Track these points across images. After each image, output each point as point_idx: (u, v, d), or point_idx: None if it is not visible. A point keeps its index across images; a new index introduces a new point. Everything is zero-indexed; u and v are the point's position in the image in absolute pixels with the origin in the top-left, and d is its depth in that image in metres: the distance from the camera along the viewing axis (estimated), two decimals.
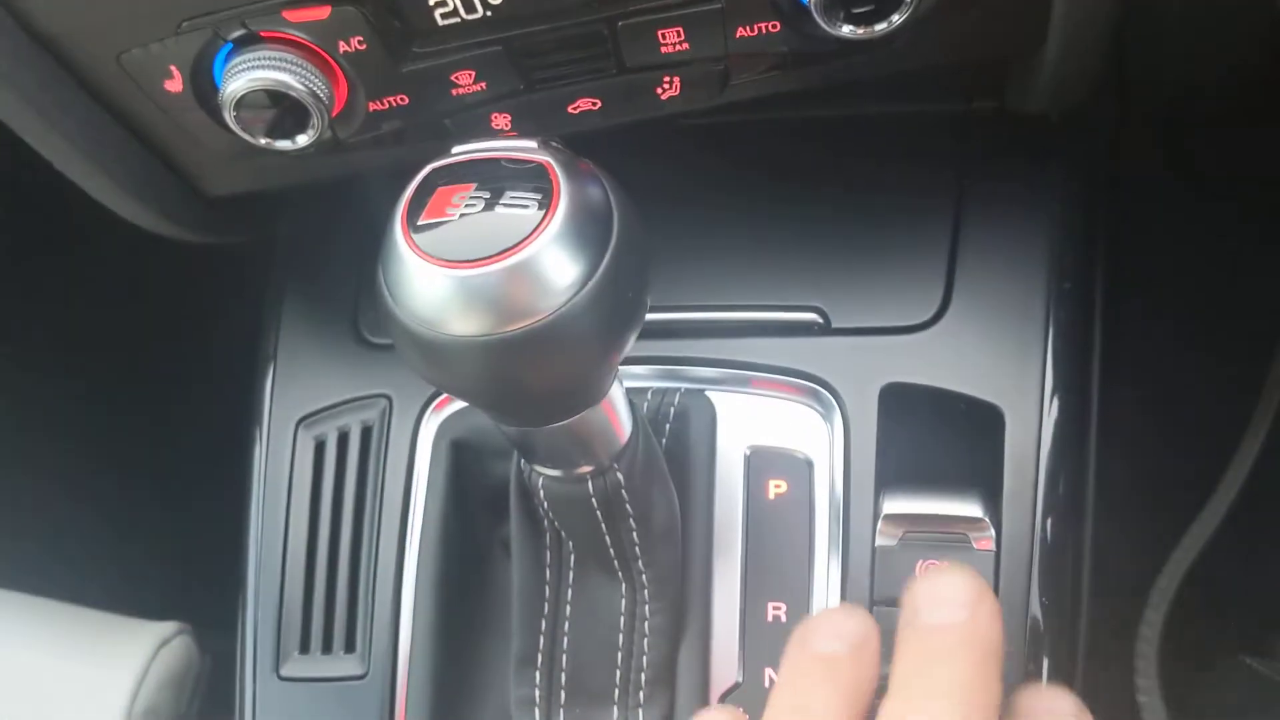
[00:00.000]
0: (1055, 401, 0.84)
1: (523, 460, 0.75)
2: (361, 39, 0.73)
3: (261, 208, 0.99)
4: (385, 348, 0.93)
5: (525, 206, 0.57)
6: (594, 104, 0.80)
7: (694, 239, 0.91)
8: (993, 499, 0.82)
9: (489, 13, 0.72)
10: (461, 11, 0.72)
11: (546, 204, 0.56)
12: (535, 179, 0.58)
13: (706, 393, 0.85)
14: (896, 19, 0.69)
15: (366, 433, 0.91)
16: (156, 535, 1.31)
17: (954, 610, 0.61)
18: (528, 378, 0.59)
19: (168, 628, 0.91)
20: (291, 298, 0.98)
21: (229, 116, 0.73)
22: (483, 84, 0.77)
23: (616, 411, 0.70)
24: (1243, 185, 1.13)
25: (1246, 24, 0.86)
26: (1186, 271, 1.21)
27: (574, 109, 0.80)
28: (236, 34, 0.72)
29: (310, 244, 1.01)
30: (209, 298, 1.31)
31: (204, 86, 0.75)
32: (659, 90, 0.79)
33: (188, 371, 1.36)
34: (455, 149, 0.61)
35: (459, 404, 0.89)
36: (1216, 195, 1.15)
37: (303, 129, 0.74)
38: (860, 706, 0.61)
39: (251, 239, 1.00)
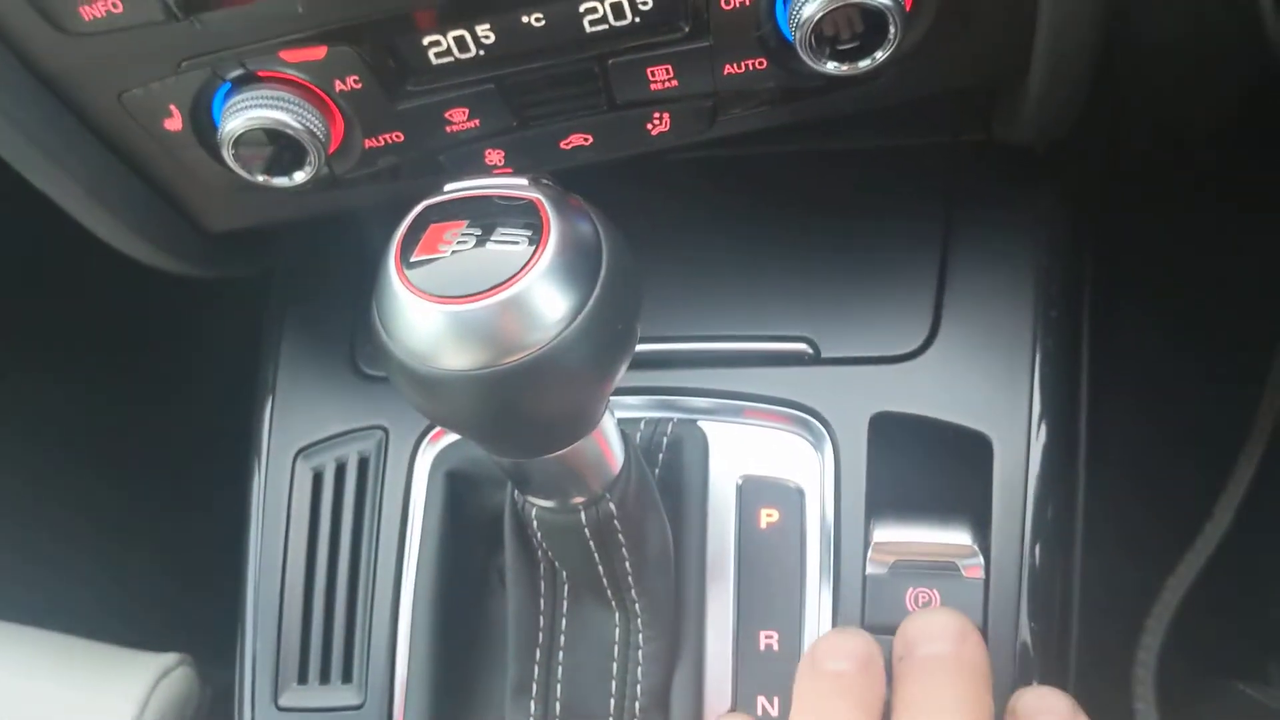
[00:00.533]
0: (1043, 429, 0.85)
1: (517, 491, 0.76)
2: (357, 78, 0.74)
3: (259, 242, 1.00)
4: (381, 380, 0.94)
5: (516, 243, 0.58)
6: (586, 139, 0.81)
7: (685, 270, 0.92)
8: (982, 527, 0.83)
9: (482, 52, 0.74)
10: (455, 51, 0.74)
11: (536, 240, 0.58)
12: (525, 215, 0.59)
13: (699, 423, 0.86)
14: (880, 55, 0.70)
15: (363, 464, 0.92)
16: (156, 565, 1.32)
17: (945, 643, 0.70)
18: (520, 410, 0.60)
19: (168, 659, 0.91)
20: (290, 330, 1.00)
21: (227, 154, 0.74)
22: (476, 121, 0.78)
23: (608, 442, 0.71)
24: (1225, 213, 1.14)
25: (1228, 50, 0.87)
26: (1173, 299, 1.22)
27: (566, 144, 0.82)
28: (235, 74, 0.74)
29: (308, 276, 1.03)
30: (205, 330, 1.32)
31: (203, 125, 0.77)
32: (649, 126, 0.80)
33: (185, 403, 1.37)
34: (447, 186, 0.63)
35: (454, 435, 0.90)
36: (1200, 222, 1.16)
37: (300, 166, 0.75)
38: (875, 716, 0.69)
39: (249, 273, 1.01)
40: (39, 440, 1.25)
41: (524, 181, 0.62)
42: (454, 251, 0.58)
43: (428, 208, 0.61)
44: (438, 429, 0.91)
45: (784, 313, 0.89)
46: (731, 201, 0.94)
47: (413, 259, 0.59)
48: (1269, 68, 0.78)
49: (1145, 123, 0.99)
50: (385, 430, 0.92)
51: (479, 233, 0.59)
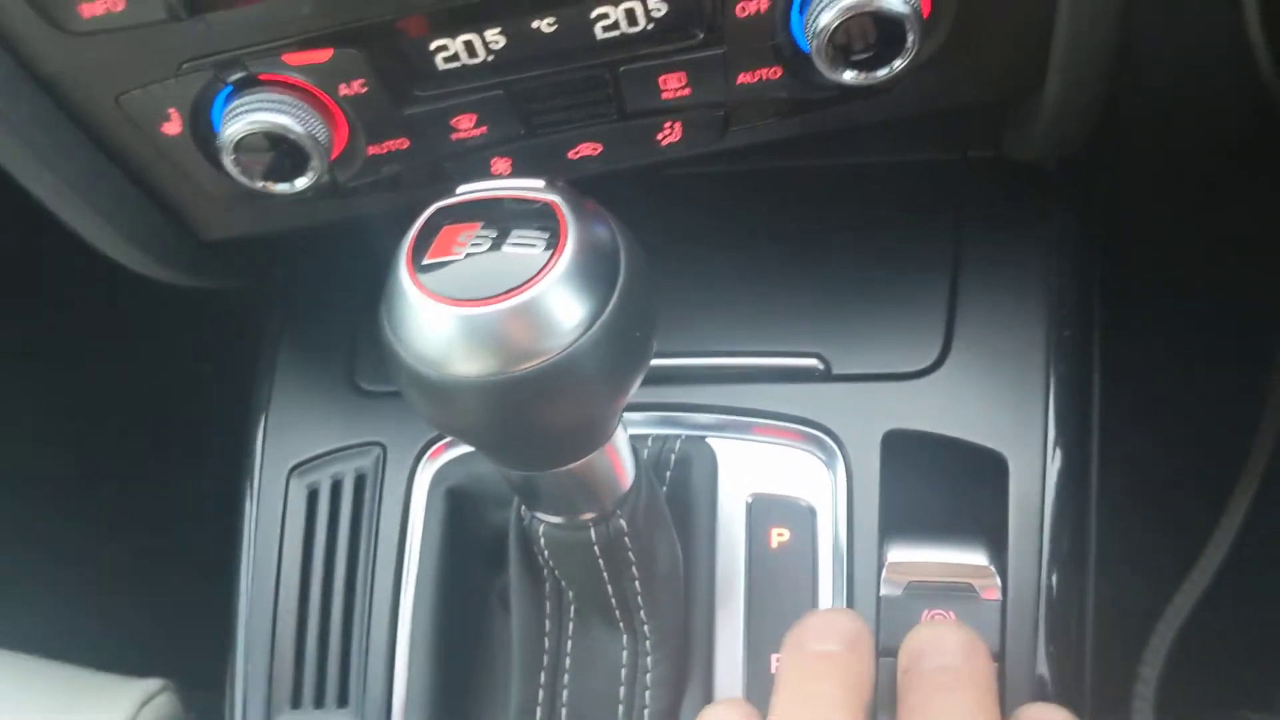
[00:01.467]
0: (1058, 449, 0.83)
1: (523, 507, 0.74)
2: (363, 82, 0.73)
3: (257, 252, 0.98)
4: (380, 395, 0.92)
5: (532, 245, 0.56)
6: (594, 149, 0.80)
7: (694, 285, 0.91)
8: (998, 547, 0.81)
9: (491, 57, 0.73)
10: (463, 56, 0.72)
11: (554, 243, 0.56)
12: (542, 218, 0.57)
13: (708, 439, 0.84)
14: (898, 65, 0.69)
15: (360, 481, 0.89)
16: (140, 587, 1.29)
17: (953, 656, 0.68)
18: (534, 419, 0.58)
19: (151, 684, 0.88)
20: (286, 343, 0.98)
21: (227, 159, 0.72)
22: (484, 128, 0.77)
23: (621, 457, 0.69)
24: (1230, 230, 1.13)
25: (1232, 69, 0.87)
26: (1180, 317, 1.21)
27: (574, 154, 0.80)
28: (236, 76, 0.72)
29: (306, 289, 1.01)
30: (199, 341, 1.30)
31: (202, 129, 0.75)
32: (659, 135, 0.79)
33: (177, 417, 1.35)
34: (461, 188, 0.61)
35: (454, 452, 0.88)
36: (1207, 239, 1.16)
37: (302, 172, 0.73)
38: (863, 698, 0.66)
39: (245, 284, 0.99)
40: (24, 452, 1.22)
41: (540, 184, 0.60)
42: (468, 254, 0.56)
43: (441, 209, 0.59)
44: (438, 445, 0.88)
45: (794, 328, 0.88)
46: (741, 215, 0.93)
47: (425, 261, 0.57)
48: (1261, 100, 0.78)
49: (1152, 143, 0.98)
50: (383, 447, 0.89)
51: (494, 235, 0.57)
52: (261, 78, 0.72)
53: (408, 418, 0.89)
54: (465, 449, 0.87)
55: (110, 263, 0.85)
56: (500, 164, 0.80)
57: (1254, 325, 1.15)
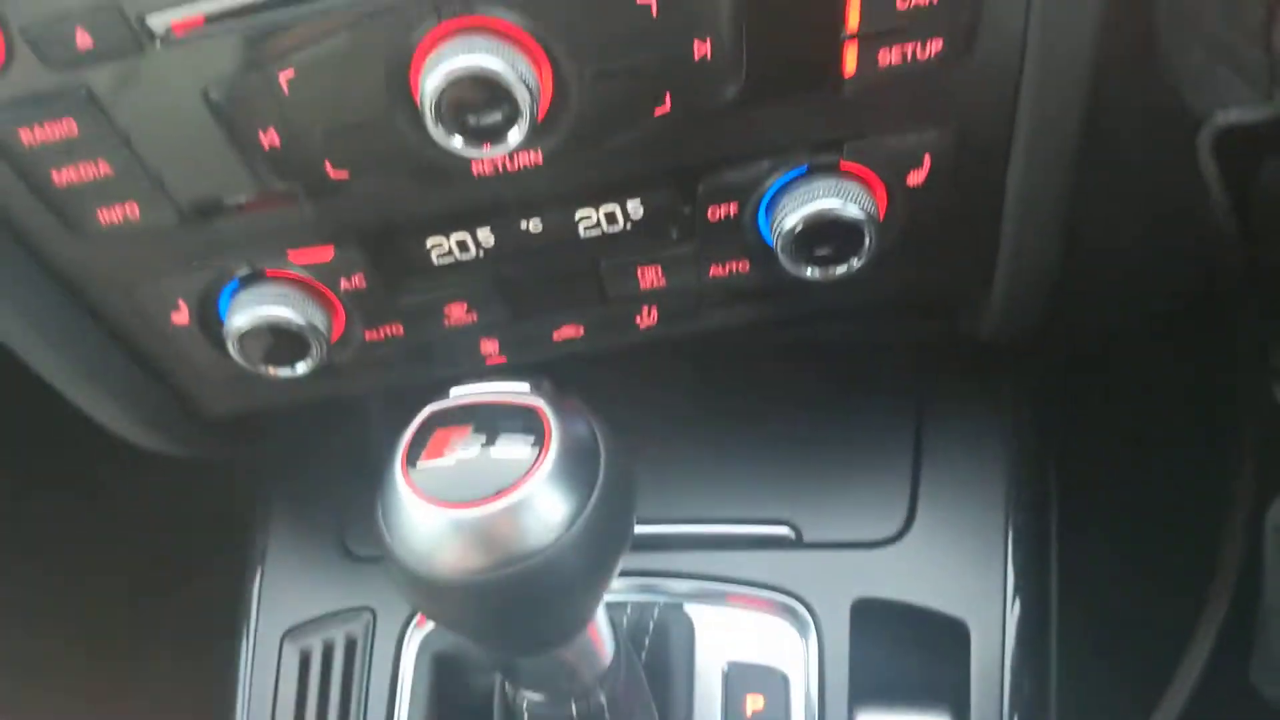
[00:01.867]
0: (1017, 608, 0.87)
1: (507, 684, 0.77)
2: (362, 276, 0.78)
3: (250, 423, 1.02)
4: (370, 560, 0.95)
5: (518, 449, 0.60)
6: (577, 331, 0.85)
7: (669, 453, 0.95)
8: (962, 711, 0.84)
9: (482, 254, 0.78)
10: (457, 253, 0.78)
11: (538, 445, 0.60)
12: (527, 421, 0.62)
13: (684, 608, 0.88)
14: (855, 263, 0.75)
15: (351, 646, 0.92)
16: None
17: None
18: (519, 614, 0.61)
19: None
20: (278, 509, 1.01)
21: (232, 348, 0.77)
22: (474, 315, 0.82)
23: (601, 636, 0.72)
24: (1179, 391, 1.19)
25: (1180, 256, 0.93)
26: (1134, 473, 1.26)
27: (559, 336, 0.85)
28: (243, 273, 0.77)
29: (297, 456, 1.04)
30: (190, 507, 1.32)
31: (209, 319, 0.80)
32: (638, 319, 0.84)
33: (169, 581, 1.36)
34: (453, 391, 0.65)
35: None
36: (1159, 398, 1.21)
37: (302, 358, 0.78)
38: None
39: (241, 454, 1.03)
40: (17, 616, 1.23)
41: (525, 387, 0.64)
42: (458, 457, 0.61)
43: (435, 414, 0.64)
44: None
45: (766, 496, 0.92)
46: (714, 386, 0.98)
47: (419, 463, 0.61)
48: (1214, 274, 0.84)
49: (1099, 319, 1.04)
50: (373, 612, 0.92)
51: (483, 439, 0.61)
52: (268, 273, 0.77)
53: None
54: None
55: (105, 432, 0.89)
56: (488, 345, 0.85)
57: (1205, 478, 1.20)
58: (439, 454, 0.61)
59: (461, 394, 0.65)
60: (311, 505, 1.00)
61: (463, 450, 0.61)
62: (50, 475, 1.26)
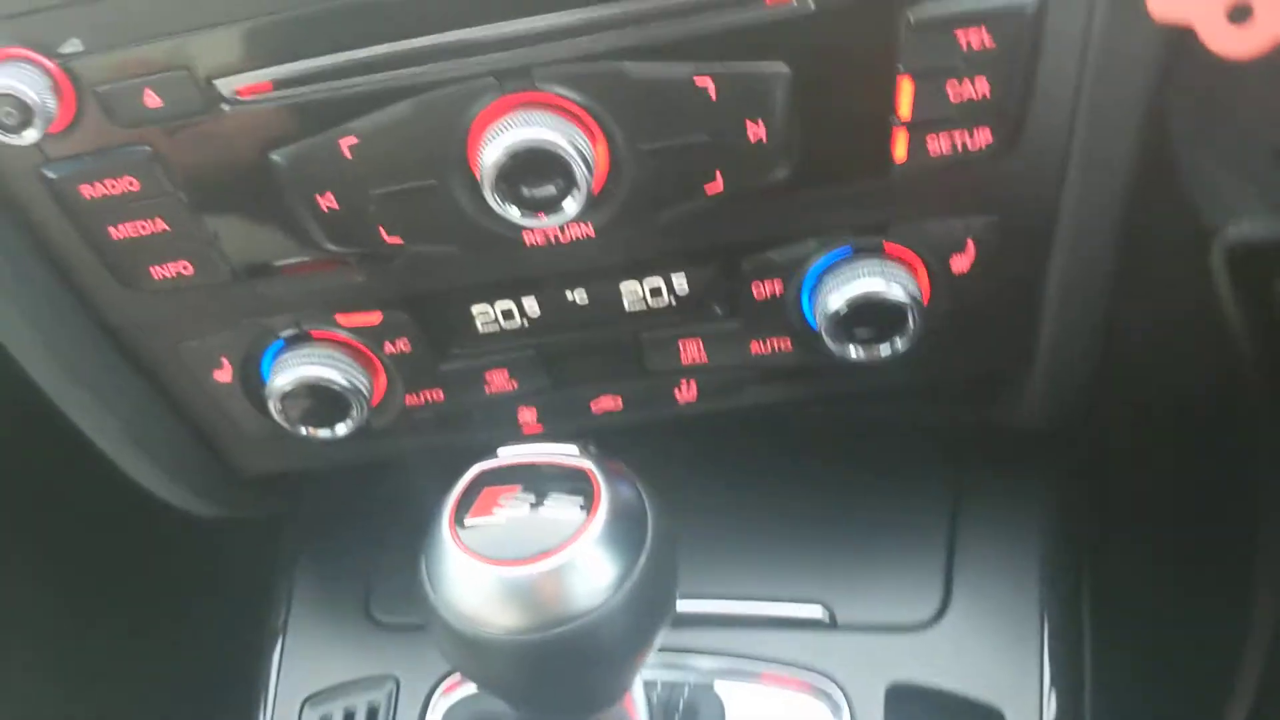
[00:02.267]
0: (1053, 700, 0.86)
1: None
2: (407, 341, 0.79)
3: (280, 482, 1.02)
4: (395, 628, 0.94)
5: (567, 510, 0.60)
6: (616, 403, 0.86)
7: (703, 530, 0.94)
8: None
9: (526, 323, 0.79)
10: (501, 321, 0.79)
11: (588, 507, 0.60)
12: (576, 482, 0.62)
13: (715, 687, 0.87)
14: (899, 345, 0.75)
15: (373, 714, 0.90)
16: None
17: None
18: (561, 675, 0.61)
19: None
20: (301, 571, 1.00)
21: (273, 407, 0.77)
22: (514, 382, 0.83)
23: (636, 706, 0.71)
24: (1214, 478, 1.19)
25: (1215, 348, 0.94)
26: (1169, 565, 1.25)
27: (597, 407, 0.86)
28: (289, 332, 0.78)
29: (324, 519, 1.04)
30: (213, 567, 1.31)
31: (251, 377, 0.81)
32: (677, 393, 0.85)
33: (189, 643, 1.34)
34: (501, 450, 0.66)
35: (467, 688, 0.89)
36: (1193, 490, 1.21)
37: (342, 420, 0.78)
38: None
39: (269, 513, 1.02)
40: (35, 677, 1.22)
41: (574, 449, 0.65)
42: (507, 516, 0.61)
43: (484, 472, 0.64)
44: (450, 680, 0.90)
45: (800, 576, 0.91)
46: (750, 464, 0.98)
47: (467, 520, 0.61)
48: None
49: (1134, 409, 1.05)
50: (396, 680, 0.91)
51: (532, 499, 0.61)
52: (313, 334, 0.78)
53: (422, 651, 0.91)
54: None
55: (130, 488, 0.89)
56: (526, 413, 0.86)
57: (1236, 566, 1.19)
58: (487, 512, 0.61)
59: (510, 454, 0.65)
60: (336, 570, 0.99)
61: (511, 509, 0.61)
62: (69, 532, 1.25)
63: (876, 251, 0.75)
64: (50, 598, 1.26)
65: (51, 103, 0.63)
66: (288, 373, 0.77)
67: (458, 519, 0.61)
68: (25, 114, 0.63)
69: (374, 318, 0.77)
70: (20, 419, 0.89)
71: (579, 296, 0.78)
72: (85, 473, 0.90)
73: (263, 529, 1.05)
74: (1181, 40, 0.62)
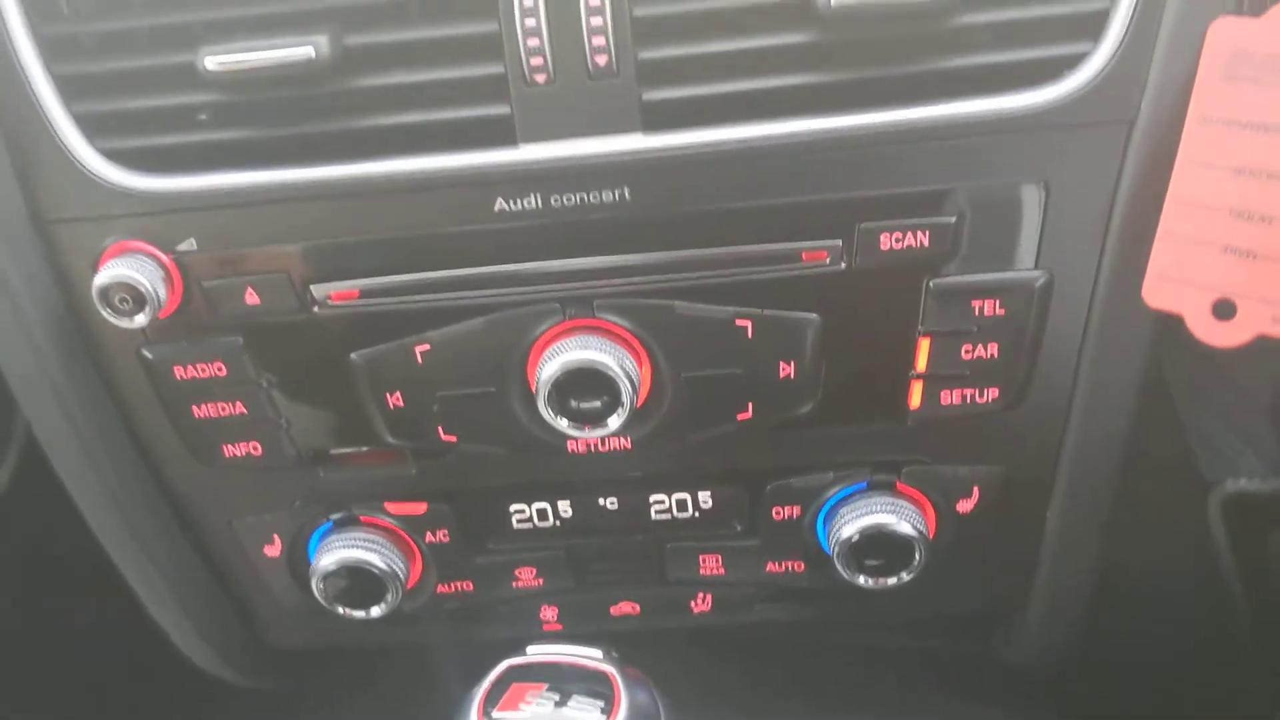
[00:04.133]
0: None
1: None
2: (446, 532, 0.84)
3: (305, 657, 1.05)
4: None
5: (589, 711, 0.64)
6: (634, 608, 0.90)
7: None
8: None
9: (558, 523, 0.85)
10: (535, 520, 0.84)
11: (608, 710, 0.64)
12: (598, 685, 0.66)
13: None
14: (906, 575, 0.80)
15: None
16: None
17: None
18: None
19: None
20: None
21: (315, 585, 0.82)
22: (541, 580, 0.87)
23: None
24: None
25: (1199, 587, 0.98)
26: None
27: (616, 611, 0.90)
28: (340, 516, 0.83)
29: (339, 695, 1.06)
30: None
31: (297, 555, 0.86)
32: (693, 605, 0.89)
33: None
34: (530, 648, 0.70)
35: None
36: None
37: (377, 602, 0.83)
38: None
39: (288, 686, 1.05)
40: None
41: (599, 653, 0.69)
42: (533, 712, 0.65)
43: (513, 667, 0.68)
44: None
45: None
46: (745, 675, 1.01)
47: (494, 713, 0.65)
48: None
49: (1128, 651, 1.07)
50: None
51: (556, 697, 0.66)
52: (363, 519, 0.83)
53: None
54: None
55: (147, 658, 0.92)
56: (548, 611, 0.90)
57: None
58: (514, 706, 0.65)
59: (538, 652, 0.69)
60: None
61: (537, 705, 0.65)
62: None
63: (890, 489, 0.81)
64: None
65: (162, 292, 0.70)
66: (334, 554, 0.81)
67: (486, 711, 0.65)
68: (139, 301, 0.70)
69: (419, 508, 0.83)
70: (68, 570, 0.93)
71: (610, 503, 0.83)
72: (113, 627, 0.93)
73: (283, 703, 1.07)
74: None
